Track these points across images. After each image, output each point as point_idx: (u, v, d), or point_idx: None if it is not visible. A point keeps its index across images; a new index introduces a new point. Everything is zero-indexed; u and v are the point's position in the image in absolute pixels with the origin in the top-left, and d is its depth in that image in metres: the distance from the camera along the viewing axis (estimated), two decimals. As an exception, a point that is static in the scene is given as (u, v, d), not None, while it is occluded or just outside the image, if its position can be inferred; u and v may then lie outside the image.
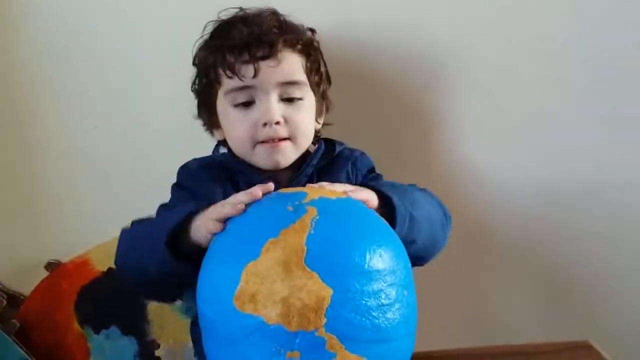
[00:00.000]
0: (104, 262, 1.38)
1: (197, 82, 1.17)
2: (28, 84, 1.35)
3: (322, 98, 1.18)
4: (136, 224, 1.08)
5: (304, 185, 1.05)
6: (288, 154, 1.10)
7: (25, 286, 1.40)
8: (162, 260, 0.94)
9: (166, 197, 1.13)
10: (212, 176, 1.12)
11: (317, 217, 0.79)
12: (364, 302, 0.76)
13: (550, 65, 1.36)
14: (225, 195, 1.06)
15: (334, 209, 0.83)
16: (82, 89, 1.37)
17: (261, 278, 0.76)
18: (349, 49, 1.34)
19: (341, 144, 1.19)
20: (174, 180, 1.15)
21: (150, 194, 1.13)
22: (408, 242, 0.93)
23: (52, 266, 1.39)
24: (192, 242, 0.94)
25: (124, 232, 1.08)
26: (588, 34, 1.34)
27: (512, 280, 1.44)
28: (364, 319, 0.76)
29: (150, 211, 1.12)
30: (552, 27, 1.34)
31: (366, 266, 0.77)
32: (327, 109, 1.21)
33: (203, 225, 0.92)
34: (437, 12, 1.33)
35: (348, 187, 0.95)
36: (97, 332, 1.39)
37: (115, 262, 1.07)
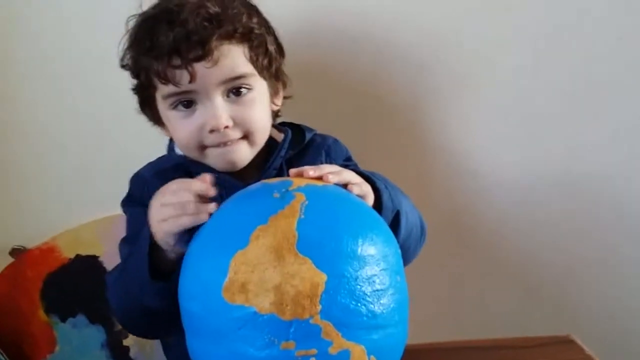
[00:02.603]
0: (71, 248, 1.35)
1: (131, 77, 1.07)
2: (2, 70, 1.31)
3: (275, 78, 1.09)
4: (112, 276, 1.02)
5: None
6: (244, 153, 1.03)
7: (-11, 273, 1.35)
8: (156, 291, 0.90)
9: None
10: (167, 183, 1.01)
11: (306, 203, 0.77)
12: (358, 287, 0.74)
13: (533, 58, 1.35)
14: None
15: (322, 194, 0.81)
16: (48, 70, 1.32)
17: (251, 267, 0.73)
18: (330, 39, 1.31)
19: (311, 130, 1.12)
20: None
21: (120, 179, 1.10)
22: None
23: (17, 252, 1.35)
24: (171, 257, 0.90)
25: (109, 289, 1.01)
26: (570, 26, 1.34)
27: (492, 275, 1.44)
28: (359, 305, 0.73)
29: (117, 197, 1.09)
30: (535, 19, 1.33)
31: (359, 251, 0.75)
32: (285, 85, 1.11)
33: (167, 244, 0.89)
34: (424, 3, 1.31)
35: (335, 168, 0.89)
36: (63, 320, 1.35)
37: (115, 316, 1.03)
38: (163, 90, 1.00)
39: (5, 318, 1.34)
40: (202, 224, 0.83)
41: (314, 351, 0.72)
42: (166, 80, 0.97)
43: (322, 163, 1.07)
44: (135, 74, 1.04)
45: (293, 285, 0.72)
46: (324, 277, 0.72)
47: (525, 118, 1.38)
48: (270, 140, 1.08)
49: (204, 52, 0.96)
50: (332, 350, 0.72)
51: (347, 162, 1.12)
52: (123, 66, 1.06)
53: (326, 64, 1.32)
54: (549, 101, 1.37)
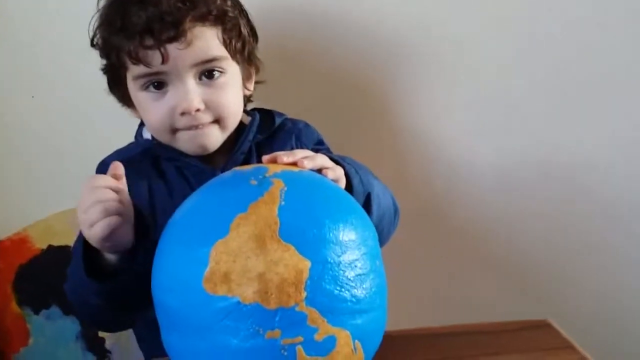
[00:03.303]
0: (44, 239, 1.33)
1: (101, 57, 1.05)
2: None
3: (248, 62, 1.08)
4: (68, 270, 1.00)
5: (244, 162, 1.02)
6: (215, 138, 1.02)
7: (-40, 264, 1.32)
8: (98, 290, 0.89)
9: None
10: (133, 171, 0.99)
11: (285, 189, 0.75)
12: (342, 272, 0.73)
13: (514, 47, 1.35)
14: (151, 191, 1.03)
15: (299, 180, 0.79)
16: (19, 56, 1.28)
17: (233, 256, 0.71)
18: (303, 22, 1.30)
19: (281, 115, 1.11)
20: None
21: (93, 168, 1.07)
22: None
23: (-13, 243, 1.32)
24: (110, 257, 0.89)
25: (66, 287, 1.00)
26: (550, 14, 1.34)
27: (470, 260, 1.45)
28: (343, 290, 0.73)
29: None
30: (517, 7, 1.33)
31: (340, 236, 0.74)
32: (257, 70, 1.11)
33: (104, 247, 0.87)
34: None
35: (308, 153, 0.88)
36: (36, 312, 1.33)
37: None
38: (134, 70, 0.98)
39: (-23, 310, 1.32)
40: (174, 214, 0.81)
41: (300, 339, 0.71)
42: (137, 61, 0.96)
43: (292, 148, 1.07)
44: (106, 54, 1.02)
45: (277, 273, 0.70)
46: (308, 263, 0.71)
47: (504, 106, 1.38)
48: (239, 124, 1.07)
49: (177, 33, 0.95)
50: (318, 337, 0.71)
51: (319, 146, 1.12)
52: (93, 45, 1.04)
53: (299, 48, 1.31)
54: (528, 90, 1.37)
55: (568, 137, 1.40)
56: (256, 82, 1.12)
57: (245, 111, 1.10)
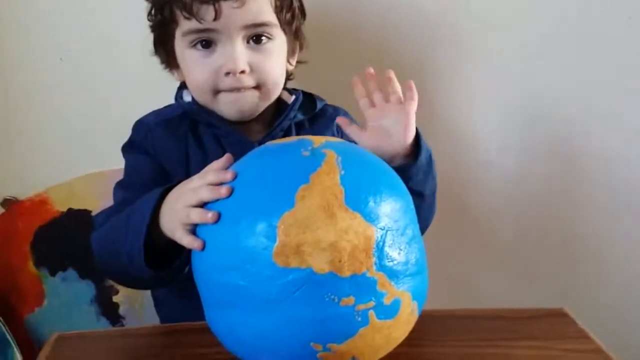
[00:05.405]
0: (64, 202, 1.32)
1: (151, 15, 1.04)
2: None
3: (294, 36, 1.08)
4: (102, 226, 0.96)
5: None
6: (255, 104, 1.02)
7: (-21, 224, 1.33)
8: (149, 275, 0.86)
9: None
10: (171, 133, 1.02)
11: (340, 158, 0.76)
12: (399, 237, 0.75)
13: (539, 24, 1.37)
14: (187, 155, 1.01)
15: (347, 150, 0.80)
16: (45, 21, 1.29)
17: (303, 228, 0.71)
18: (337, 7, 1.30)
19: (322, 100, 1.12)
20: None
21: (116, 132, 1.07)
22: (416, 192, 0.94)
23: (8, 203, 1.32)
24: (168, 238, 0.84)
25: (94, 238, 0.96)
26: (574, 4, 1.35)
27: (487, 247, 1.46)
28: (401, 254, 0.75)
29: (113, 152, 1.06)
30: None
31: (394, 203, 0.77)
32: (302, 47, 1.11)
33: (177, 221, 0.80)
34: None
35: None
36: (53, 274, 1.33)
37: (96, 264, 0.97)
38: (184, 26, 0.98)
39: (-5, 269, 1.31)
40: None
41: (372, 303, 0.72)
42: (191, 15, 0.96)
43: (333, 134, 1.09)
44: (159, 8, 1.01)
45: (349, 240, 0.71)
46: (374, 229, 0.73)
47: (528, 98, 1.39)
48: (279, 101, 1.07)
49: None
50: (387, 301, 0.73)
51: None
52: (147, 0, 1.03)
53: (332, 31, 1.31)
54: (553, 81, 1.39)
55: (589, 127, 1.41)
56: (298, 62, 1.12)
57: (285, 88, 1.10)
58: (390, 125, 1.00)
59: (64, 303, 1.35)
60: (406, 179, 0.90)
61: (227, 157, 0.81)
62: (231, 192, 0.76)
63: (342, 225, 0.72)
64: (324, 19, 1.25)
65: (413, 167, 0.99)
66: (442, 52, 1.36)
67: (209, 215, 0.75)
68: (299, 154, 0.77)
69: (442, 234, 1.38)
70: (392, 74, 1.01)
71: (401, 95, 1.01)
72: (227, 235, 0.75)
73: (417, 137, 1.01)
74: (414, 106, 1.00)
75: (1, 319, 1.26)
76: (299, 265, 0.71)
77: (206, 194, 0.77)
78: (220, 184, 0.77)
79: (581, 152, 1.43)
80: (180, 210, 0.80)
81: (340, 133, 1.09)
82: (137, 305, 1.34)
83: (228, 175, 0.77)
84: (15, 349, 1.25)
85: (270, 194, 0.74)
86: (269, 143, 0.84)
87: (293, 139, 0.84)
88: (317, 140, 0.80)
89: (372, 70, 1.03)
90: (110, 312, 1.36)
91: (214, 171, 0.79)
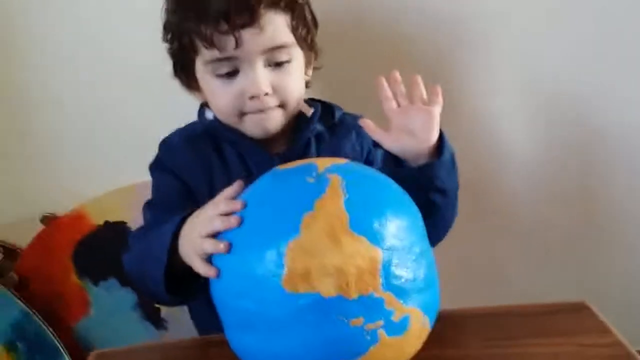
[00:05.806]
0: (100, 215, 1.40)
1: (169, 41, 1.06)
2: (24, 41, 1.34)
3: (309, 48, 1.10)
4: (131, 249, 1.02)
5: (303, 152, 1.05)
6: (279, 121, 1.05)
7: (22, 239, 1.41)
8: (164, 295, 0.93)
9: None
10: (194, 151, 1.06)
11: (344, 182, 0.78)
12: (405, 256, 0.77)
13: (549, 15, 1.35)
14: (211, 171, 1.05)
15: (351, 172, 0.82)
16: (77, 36, 1.34)
17: (309, 254, 0.74)
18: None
19: (339, 108, 1.14)
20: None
21: (143, 148, 1.10)
22: (440, 190, 0.96)
23: (47, 219, 1.39)
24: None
25: (125, 260, 1.02)
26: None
27: (507, 240, 1.47)
28: (408, 272, 0.77)
29: (141, 167, 1.10)
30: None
31: (399, 222, 0.78)
32: (316, 56, 1.13)
33: (193, 250, 0.84)
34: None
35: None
36: (95, 284, 1.40)
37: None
38: (206, 55, 1.00)
39: (39, 282, 1.40)
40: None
41: (381, 322, 0.75)
42: (212, 46, 0.98)
43: (353, 144, 1.11)
44: (178, 37, 1.03)
45: (354, 265, 0.74)
46: (379, 251, 0.75)
47: (549, 86, 1.38)
48: (299, 113, 1.09)
49: (251, 19, 0.97)
50: (395, 318, 0.76)
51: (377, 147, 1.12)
52: (165, 28, 1.05)
53: (346, 33, 1.33)
54: (573, 70, 1.37)
55: (613, 118, 1.39)
56: (314, 68, 1.14)
57: (304, 100, 1.12)
58: (414, 126, 1.00)
59: (109, 311, 1.42)
60: (431, 178, 0.94)
61: (238, 184, 0.85)
62: (241, 222, 0.79)
63: (348, 250, 0.74)
64: (331, 21, 1.26)
65: (437, 165, 0.99)
66: (454, 46, 1.36)
67: (222, 246, 0.79)
68: (304, 181, 0.79)
69: (457, 228, 1.39)
70: (419, 79, 1.01)
71: (426, 98, 1.01)
72: (239, 263, 0.78)
73: (441, 137, 1.01)
74: (438, 109, 1.00)
75: (51, 330, 1.33)
76: (307, 290, 0.74)
77: (218, 225, 0.81)
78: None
79: (602, 137, 1.41)
80: (195, 240, 0.84)
81: (360, 139, 1.11)
82: (178, 310, 1.39)
83: (238, 206, 0.81)
84: (66, 358, 1.33)
85: (278, 222, 0.77)
86: (278, 168, 0.86)
87: (300, 163, 0.86)
88: (322, 164, 0.82)
89: (398, 75, 1.02)
90: (153, 316, 1.43)
91: (225, 201, 0.83)
